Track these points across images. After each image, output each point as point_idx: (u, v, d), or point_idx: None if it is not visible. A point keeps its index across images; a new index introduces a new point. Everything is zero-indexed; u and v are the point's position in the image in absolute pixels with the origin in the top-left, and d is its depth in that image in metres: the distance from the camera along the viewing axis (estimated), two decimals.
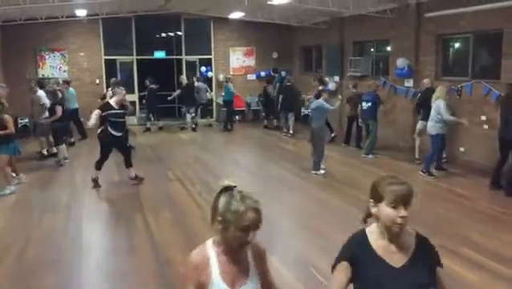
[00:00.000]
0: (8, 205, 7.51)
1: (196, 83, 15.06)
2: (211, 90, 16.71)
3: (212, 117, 16.68)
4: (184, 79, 14.95)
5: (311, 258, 5.25)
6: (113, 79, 12.59)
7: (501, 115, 7.66)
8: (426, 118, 8.94)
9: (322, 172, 9.07)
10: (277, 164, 10.13)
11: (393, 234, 2.05)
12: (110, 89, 10.72)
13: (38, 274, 4.98)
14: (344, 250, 2.14)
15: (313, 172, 9.10)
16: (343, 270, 2.07)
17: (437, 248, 2.39)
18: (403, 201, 2.00)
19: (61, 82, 12.74)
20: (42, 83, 11.43)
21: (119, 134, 8.22)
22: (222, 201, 2.00)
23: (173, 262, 5.23)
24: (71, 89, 13.01)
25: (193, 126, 14.98)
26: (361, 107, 10.78)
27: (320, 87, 10.82)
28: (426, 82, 9.73)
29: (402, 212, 1.99)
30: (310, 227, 6.41)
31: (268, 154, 11.40)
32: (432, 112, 8.54)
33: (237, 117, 16.31)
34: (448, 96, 8.71)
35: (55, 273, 4.99)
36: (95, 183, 8.31)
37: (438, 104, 8.44)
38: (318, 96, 9.30)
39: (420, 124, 9.62)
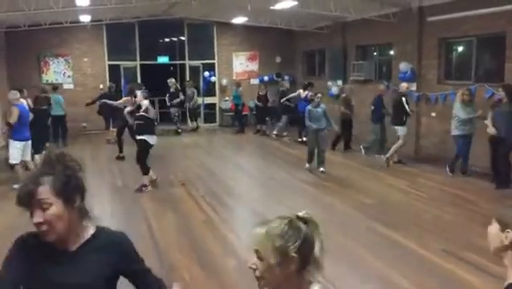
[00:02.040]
0: (12, 209, 7.52)
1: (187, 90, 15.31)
2: (214, 95, 16.77)
3: (215, 122, 16.68)
4: (172, 82, 14.78)
5: None
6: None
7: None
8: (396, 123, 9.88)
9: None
10: (279, 168, 10.14)
11: None
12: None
13: None
14: None
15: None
16: None
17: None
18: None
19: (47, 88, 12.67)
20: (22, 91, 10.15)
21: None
22: None
23: (177, 266, 5.24)
24: (56, 95, 12.78)
25: (179, 130, 15.17)
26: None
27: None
28: (405, 86, 10.05)
29: None
30: None
31: (270, 158, 11.41)
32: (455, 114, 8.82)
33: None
34: (463, 97, 8.66)
35: None
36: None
37: (455, 106, 8.76)
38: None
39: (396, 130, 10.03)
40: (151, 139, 8.22)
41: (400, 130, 9.84)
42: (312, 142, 9.65)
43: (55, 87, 13.20)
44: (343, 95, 12.07)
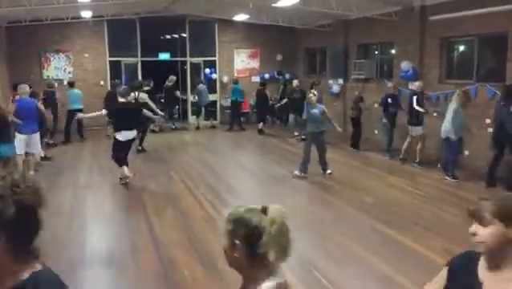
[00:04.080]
0: None
1: (197, 86, 15.43)
2: (215, 92, 16.74)
3: (215, 119, 16.65)
4: (173, 79, 14.84)
5: (314, 260, 5.24)
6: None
7: (495, 116, 8.11)
8: (412, 122, 9.62)
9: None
10: (280, 165, 10.12)
11: (489, 257, 1.87)
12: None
13: None
14: (454, 257, 2.11)
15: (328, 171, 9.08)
16: (441, 276, 2.08)
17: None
18: (473, 216, 1.89)
19: (56, 84, 13.12)
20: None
21: None
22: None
23: (177, 262, 5.23)
24: (74, 90, 13.20)
25: (173, 126, 15.28)
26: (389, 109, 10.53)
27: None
28: (418, 85, 9.73)
29: (472, 228, 1.88)
30: (313, 229, 6.40)
31: (271, 155, 11.40)
32: (451, 116, 8.47)
33: (241, 119, 16.42)
34: (465, 99, 8.48)
35: (58, 273, 5.00)
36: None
37: (457, 108, 8.40)
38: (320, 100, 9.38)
39: (411, 130, 9.76)
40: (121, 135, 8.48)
41: (415, 130, 9.62)
42: (308, 149, 8.88)
43: (71, 83, 13.48)
44: (356, 93, 11.75)
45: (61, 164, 10.26)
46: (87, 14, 13.84)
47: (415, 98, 9.55)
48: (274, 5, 11.27)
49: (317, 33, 15.03)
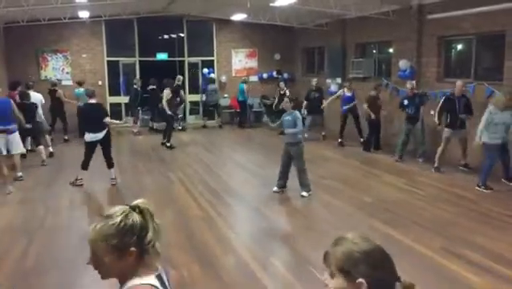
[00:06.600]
0: (12, 204, 7.53)
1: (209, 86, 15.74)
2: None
3: (213, 119, 16.63)
4: (180, 79, 14.64)
5: (313, 259, 5.23)
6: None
7: None
8: (457, 126, 8.87)
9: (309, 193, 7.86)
10: (279, 165, 10.08)
11: None
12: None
13: (40, 274, 4.98)
14: None
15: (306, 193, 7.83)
16: None
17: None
18: (324, 263, 1.62)
19: (51, 83, 13.37)
20: (28, 85, 11.72)
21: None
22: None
23: (176, 263, 5.22)
24: (81, 89, 13.14)
25: (180, 127, 15.08)
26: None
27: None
28: (459, 84, 8.81)
29: (323, 276, 1.59)
30: (312, 228, 6.40)
31: (271, 155, 11.35)
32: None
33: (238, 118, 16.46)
34: (499, 103, 7.72)
35: (57, 273, 4.99)
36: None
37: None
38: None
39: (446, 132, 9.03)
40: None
41: (460, 133, 9.00)
42: (284, 159, 7.91)
43: (80, 83, 13.69)
44: (372, 93, 11.23)
45: (63, 161, 10.28)
46: (84, 14, 13.83)
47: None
48: (271, 4, 11.26)
49: (315, 32, 15.03)
